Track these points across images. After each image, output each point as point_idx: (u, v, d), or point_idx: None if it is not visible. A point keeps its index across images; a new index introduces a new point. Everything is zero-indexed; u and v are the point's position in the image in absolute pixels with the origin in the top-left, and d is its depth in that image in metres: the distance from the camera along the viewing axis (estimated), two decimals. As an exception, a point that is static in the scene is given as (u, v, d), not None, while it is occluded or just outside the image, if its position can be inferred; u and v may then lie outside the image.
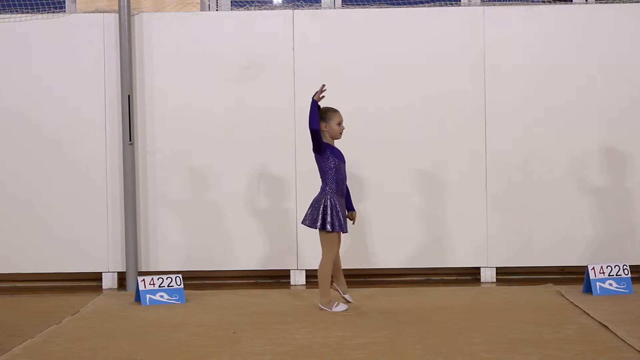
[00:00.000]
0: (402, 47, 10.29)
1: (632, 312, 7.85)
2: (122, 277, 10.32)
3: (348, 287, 8.61)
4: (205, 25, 10.36)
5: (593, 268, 8.95)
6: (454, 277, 10.53)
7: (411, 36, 10.30)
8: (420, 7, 10.41)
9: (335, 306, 8.28)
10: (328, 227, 8.16)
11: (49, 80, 10.29)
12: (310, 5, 10.64)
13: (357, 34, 10.32)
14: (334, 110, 8.33)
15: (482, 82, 10.23)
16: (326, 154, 8.24)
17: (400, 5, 10.56)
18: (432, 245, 10.27)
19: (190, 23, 10.36)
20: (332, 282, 8.45)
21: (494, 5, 10.36)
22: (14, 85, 10.31)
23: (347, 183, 8.37)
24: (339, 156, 8.29)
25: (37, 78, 10.29)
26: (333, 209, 8.22)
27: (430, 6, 10.40)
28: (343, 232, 8.27)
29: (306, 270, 10.34)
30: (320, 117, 8.24)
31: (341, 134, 8.34)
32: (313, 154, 8.25)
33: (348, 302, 8.44)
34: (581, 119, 10.22)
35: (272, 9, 10.66)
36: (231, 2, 10.91)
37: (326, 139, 8.29)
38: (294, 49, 10.29)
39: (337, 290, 8.52)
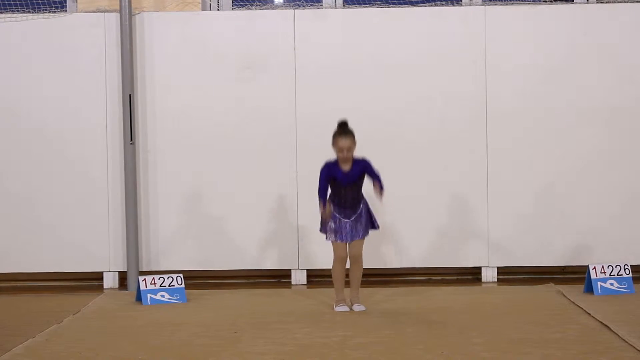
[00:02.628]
0: (403, 46, 10.29)
1: (633, 312, 7.84)
2: (123, 277, 10.32)
3: (349, 288, 8.55)
4: (206, 25, 10.37)
5: (594, 268, 8.95)
6: (455, 277, 10.53)
7: (412, 36, 10.30)
8: (421, 6, 10.41)
9: (338, 305, 8.31)
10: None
11: (50, 79, 10.28)
12: (311, 5, 10.63)
13: (358, 34, 10.32)
14: (339, 135, 8.18)
15: (483, 81, 10.23)
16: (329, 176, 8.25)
17: (401, 5, 10.56)
18: (433, 245, 10.27)
19: (191, 22, 10.37)
20: None
21: (495, 5, 10.35)
22: (15, 85, 10.30)
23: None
24: (341, 180, 8.19)
25: (37, 78, 10.29)
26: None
27: (431, 6, 10.40)
28: (329, 239, 8.35)
29: (307, 270, 10.34)
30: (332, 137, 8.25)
31: (344, 160, 8.17)
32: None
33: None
34: (582, 118, 10.22)
35: (273, 9, 10.66)
36: (232, 1, 10.91)
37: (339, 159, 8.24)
38: (294, 48, 10.29)
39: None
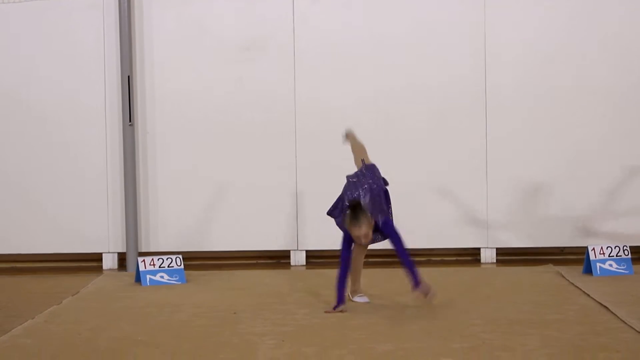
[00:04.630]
0: (402, 28, 10.26)
1: (632, 293, 7.85)
2: (122, 258, 10.33)
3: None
4: (205, 7, 10.33)
5: (593, 249, 8.96)
6: (454, 258, 10.53)
7: (411, 18, 10.26)
8: (421, -9, 10.38)
9: (357, 296, 7.82)
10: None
11: (48, 62, 10.26)
12: (310, -14, 10.59)
13: (357, 16, 10.28)
14: (351, 223, 7.18)
15: (482, 66, 10.20)
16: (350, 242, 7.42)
17: (401, -14, 10.52)
18: (433, 226, 10.28)
19: (190, 4, 10.33)
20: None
21: (495, -13, 10.33)
22: (13, 68, 10.29)
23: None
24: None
25: (36, 60, 10.27)
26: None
27: (431, -11, 10.37)
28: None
29: (306, 251, 10.35)
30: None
31: (363, 242, 7.32)
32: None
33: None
34: (582, 101, 10.21)
35: (272, -10, 10.63)
36: (231, -18, 10.86)
37: None
38: (293, 30, 10.26)
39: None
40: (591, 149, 10.22)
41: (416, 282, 7.19)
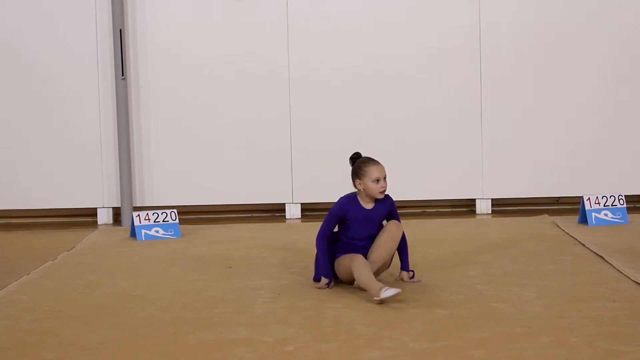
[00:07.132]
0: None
1: (627, 243, 7.86)
2: (117, 213, 10.32)
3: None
4: (197, -43, 10.25)
5: (588, 198, 8.95)
6: (449, 209, 10.54)
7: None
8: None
9: (384, 291, 5.88)
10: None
11: (38, 14, 10.16)
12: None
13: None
14: (370, 163, 6.39)
15: (476, 14, 10.14)
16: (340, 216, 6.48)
17: None
18: (427, 177, 10.27)
19: (181, -45, 10.24)
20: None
21: None
22: (2, 21, 10.18)
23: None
24: (359, 221, 6.43)
25: (26, 13, 10.16)
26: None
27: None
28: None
29: (301, 204, 10.34)
30: (354, 172, 6.42)
31: (383, 192, 6.39)
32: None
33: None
34: (580, 47, 10.17)
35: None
36: None
37: (360, 195, 6.44)
38: (286, -20, 10.20)
39: None
40: (588, 95, 10.18)
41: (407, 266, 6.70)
